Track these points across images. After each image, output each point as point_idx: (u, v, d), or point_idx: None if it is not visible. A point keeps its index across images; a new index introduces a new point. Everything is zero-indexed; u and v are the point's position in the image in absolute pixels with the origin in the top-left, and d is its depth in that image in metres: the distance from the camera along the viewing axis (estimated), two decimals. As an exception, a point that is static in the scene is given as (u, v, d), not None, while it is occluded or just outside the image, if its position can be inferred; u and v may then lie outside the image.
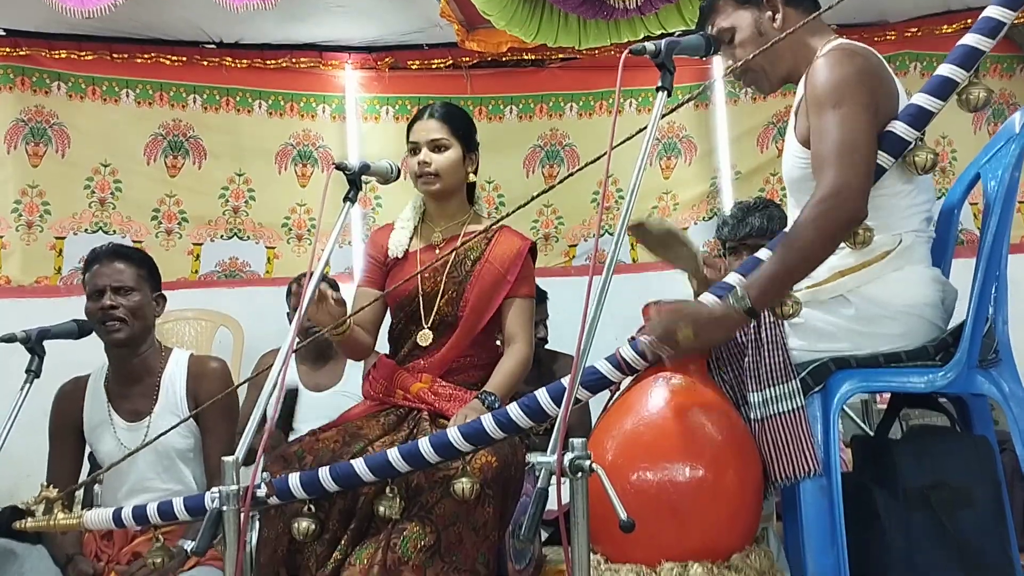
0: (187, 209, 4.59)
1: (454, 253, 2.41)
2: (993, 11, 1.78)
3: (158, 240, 4.54)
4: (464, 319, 2.40)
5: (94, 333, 2.50)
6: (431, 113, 2.49)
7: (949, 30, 4.55)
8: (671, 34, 3.94)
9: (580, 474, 1.42)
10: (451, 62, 4.63)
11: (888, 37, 4.66)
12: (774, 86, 2.05)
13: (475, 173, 2.56)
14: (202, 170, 4.62)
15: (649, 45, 1.73)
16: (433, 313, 2.41)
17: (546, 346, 3.63)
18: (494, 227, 2.45)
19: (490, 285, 2.42)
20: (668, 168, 4.85)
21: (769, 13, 1.99)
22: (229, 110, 4.62)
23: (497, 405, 2.22)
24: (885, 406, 2.43)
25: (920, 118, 1.79)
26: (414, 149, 2.47)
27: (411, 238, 2.49)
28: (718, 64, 4.38)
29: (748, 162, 4.80)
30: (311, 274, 1.99)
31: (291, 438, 3.37)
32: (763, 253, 1.89)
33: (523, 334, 2.42)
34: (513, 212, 2.37)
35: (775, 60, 1.98)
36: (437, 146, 2.45)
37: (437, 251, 2.47)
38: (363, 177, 2.15)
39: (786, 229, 1.87)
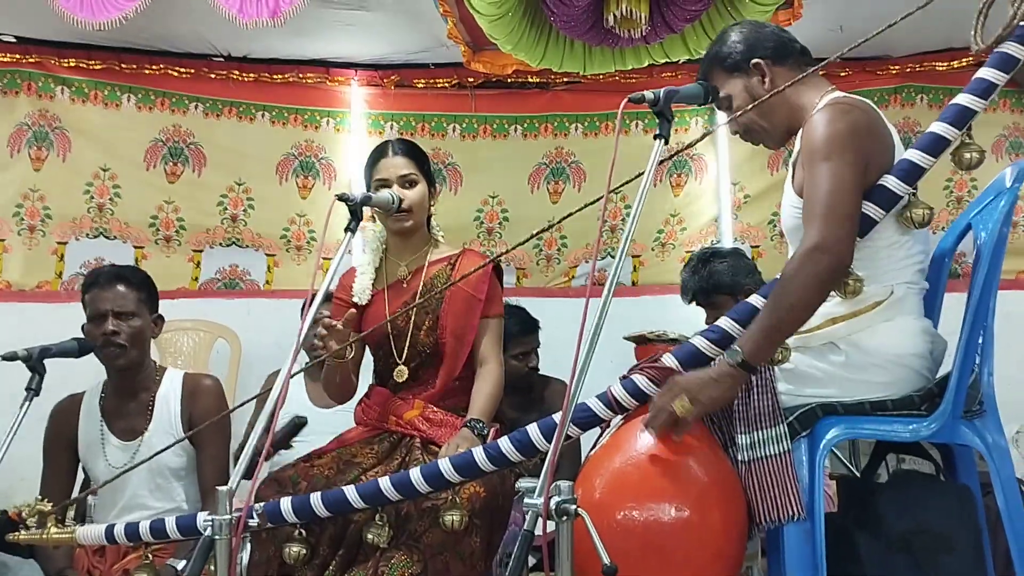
0: (185, 217, 4.55)
1: (421, 285, 2.44)
2: (986, 73, 1.83)
3: (158, 247, 4.52)
4: (447, 346, 2.43)
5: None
6: (395, 150, 2.50)
7: (952, 66, 4.59)
8: (675, 62, 4.04)
9: (565, 518, 1.45)
10: (456, 82, 4.65)
11: (891, 71, 4.70)
12: (778, 142, 2.11)
13: (433, 206, 2.59)
14: (201, 178, 4.57)
15: (648, 93, 1.76)
16: (407, 347, 2.44)
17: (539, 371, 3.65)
18: (486, 264, 2.45)
19: (463, 307, 2.44)
20: (678, 186, 4.83)
21: (758, 77, 2.05)
22: (231, 117, 4.59)
23: (486, 431, 2.27)
24: (873, 444, 2.46)
25: (912, 173, 1.83)
26: (382, 185, 2.47)
27: (374, 280, 2.52)
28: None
29: (757, 184, 4.74)
30: (311, 300, 2.02)
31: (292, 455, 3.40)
32: (755, 299, 1.92)
33: (494, 353, 2.46)
34: (523, 243, 2.43)
35: (771, 117, 2.04)
36: (407, 182, 2.47)
37: (404, 285, 2.49)
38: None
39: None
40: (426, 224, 2.58)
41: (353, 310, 2.37)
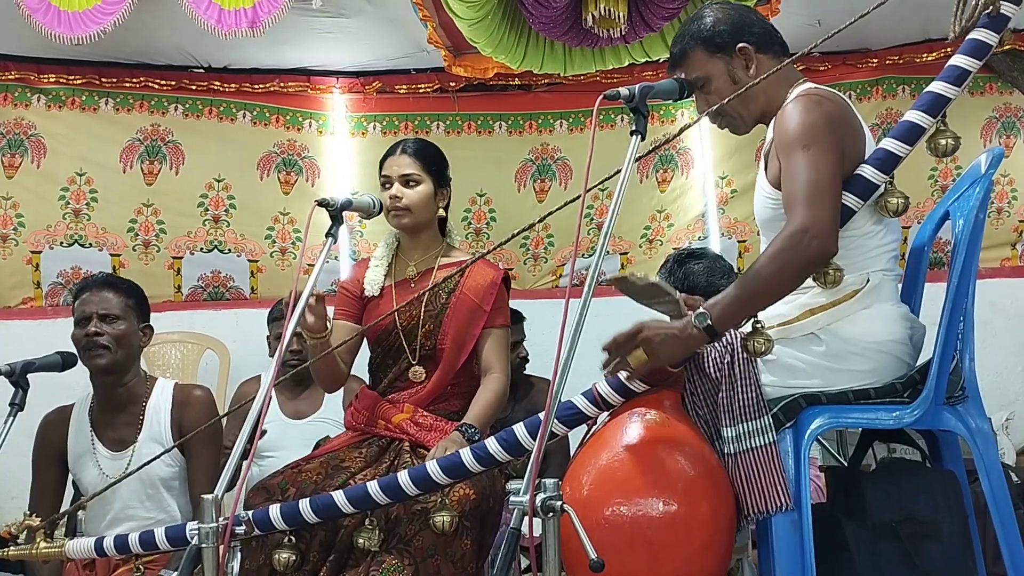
0: (165, 220, 4.50)
1: (430, 286, 2.43)
2: (959, 60, 1.84)
3: (136, 253, 4.48)
4: (445, 352, 2.43)
5: (79, 362, 2.51)
6: (403, 149, 2.53)
7: (930, 58, 4.61)
8: (655, 61, 4.06)
9: (551, 514, 1.45)
10: (438, 86, 4.66)
11: (870, 63, 4.72)
12: (748, 127, 2.10)
13: (446, 208, 2.60)
14: (180, 176, 4.51)
15: (623, 90, 1.77)
16: (417, 348, 2.44)
17: (527, 368, 3.64)
18: (471, 261, 2.43)
19: (466, 316, 2.45)
20: (664, 181, 4.80)
21: (742, 61, 2.02)
22: (211, 118, 4.55)
23: (477, 437, 2.27)
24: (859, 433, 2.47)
25: (888, 162, 1.84)
26: (386, 183, 2.50)
27: (385, 275, 2.52)
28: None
29: (745, 177, 4.66)
30: (293, 305, 2.02)
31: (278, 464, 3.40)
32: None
33: (500, 364, 2.46)
34: (506, 242, 2.41)
35: (749, 104, 2.02)
36: (408, 181, 2.49)
37: (412, 285, 2.50)
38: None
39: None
40: (437, 225, 2.59)
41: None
